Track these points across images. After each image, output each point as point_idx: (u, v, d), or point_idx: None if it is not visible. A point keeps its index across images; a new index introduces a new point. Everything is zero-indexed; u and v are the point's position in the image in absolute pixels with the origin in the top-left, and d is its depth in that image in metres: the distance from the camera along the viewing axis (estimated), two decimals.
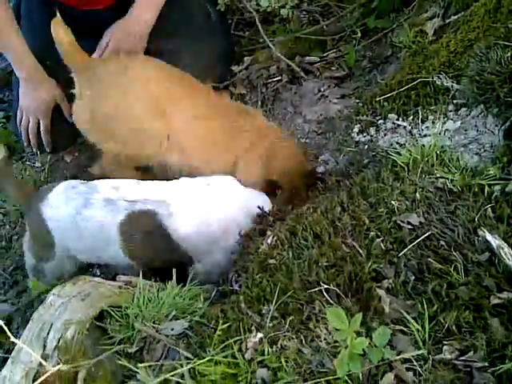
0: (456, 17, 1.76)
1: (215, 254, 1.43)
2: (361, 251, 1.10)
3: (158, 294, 1.24)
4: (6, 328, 0.90)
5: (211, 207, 1.43)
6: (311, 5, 2.44)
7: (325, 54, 2.28)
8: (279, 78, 2.29)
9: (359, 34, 2.14)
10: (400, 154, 1.30)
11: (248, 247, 1.35)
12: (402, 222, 1.13)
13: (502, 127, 1.32)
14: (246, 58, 2.38)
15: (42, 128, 2.07)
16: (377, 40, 2.15)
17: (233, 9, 2.46)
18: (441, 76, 1.56)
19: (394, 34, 2.06)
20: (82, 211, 1.39)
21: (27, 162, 2.28)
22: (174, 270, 1.32)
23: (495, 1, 1.58)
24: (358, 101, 1.96)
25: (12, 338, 0.91)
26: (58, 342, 1.04)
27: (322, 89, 2.19)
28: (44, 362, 0.90)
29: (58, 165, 2.21)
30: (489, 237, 0.97)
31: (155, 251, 1.43)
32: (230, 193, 1.49)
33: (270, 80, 2.31)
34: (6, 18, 1.88)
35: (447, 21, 1.79)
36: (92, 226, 1.39)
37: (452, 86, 1.52)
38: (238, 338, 1.04)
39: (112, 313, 1.16)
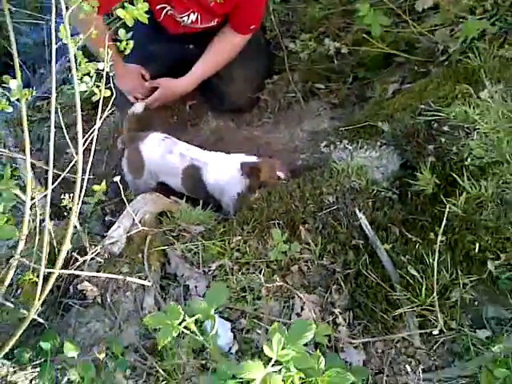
0: (408, 86, 2.73)
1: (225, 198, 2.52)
2: (300, 208, 2.13)
3: (190, 211, 2.29)
4: (119, 185, 1.97)
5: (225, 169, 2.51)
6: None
7: (329, 84, 3.26)
8: (294, 95, 3.28)
9: (351, 79, 3.13)
10: (337, 164, 2.31)
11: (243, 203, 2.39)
12: (328, 200, 2.15)
13: (400, 161, 2.32)
14: (274, 76, 3.37)
15: None
16: (364, 84, 3.13)
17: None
18: (383, 122, 2.54)
19: (373, 84, 3.04)
20: (166, 156, 2.54)
21: None
22: (201, 202, 2.37)
23: (425, 82, 2.55)
24: (339, 124, 2.95)
25: (126, 202, 1.97)
26: (141, 219, 2.10)
27: (320, 109, 3.18)
28: (138, 223, 1.96)
29: None
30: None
31: (195, 188, 2.55)
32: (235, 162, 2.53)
33: (288, 95, 3.29)
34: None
35: (402, 87, 2.76)
36: (170, 164, 2.54)
37: (387, 130, 2.51)
38: (228, 236, 2.08)
39: (166, 213, 2.23)
